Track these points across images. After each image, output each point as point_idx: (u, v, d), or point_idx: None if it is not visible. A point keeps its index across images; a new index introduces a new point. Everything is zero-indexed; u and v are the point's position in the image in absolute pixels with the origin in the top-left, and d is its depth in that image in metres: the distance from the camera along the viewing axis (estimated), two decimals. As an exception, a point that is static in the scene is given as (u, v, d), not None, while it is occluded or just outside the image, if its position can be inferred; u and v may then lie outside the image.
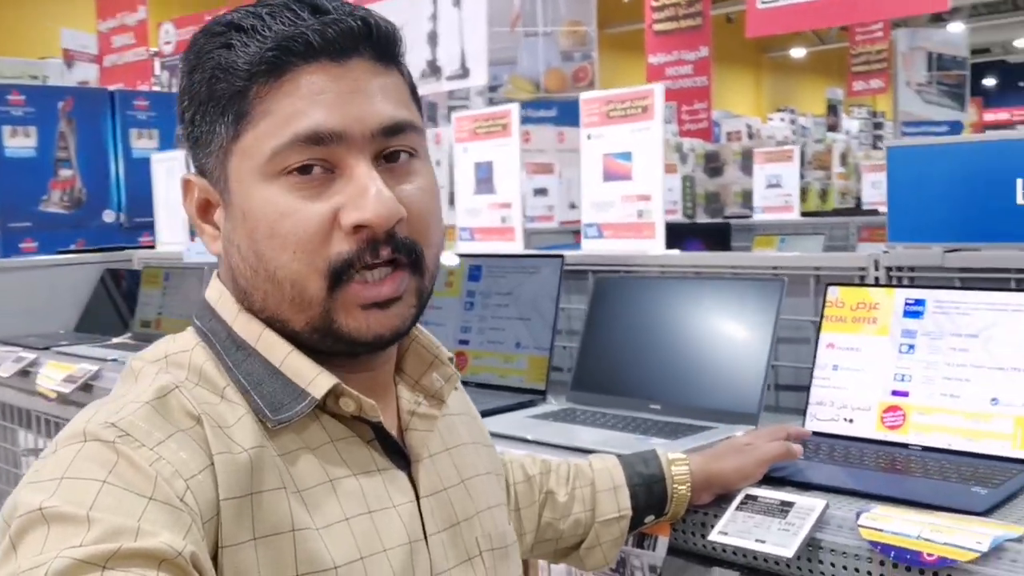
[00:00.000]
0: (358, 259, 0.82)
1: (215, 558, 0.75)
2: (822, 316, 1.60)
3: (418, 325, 0.92)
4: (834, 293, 1.60)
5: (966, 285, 1.62)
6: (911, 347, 1.50)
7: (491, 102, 8.06)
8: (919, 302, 1.51)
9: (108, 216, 4.76)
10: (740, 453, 1.27)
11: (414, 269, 0.85)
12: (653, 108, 2.06)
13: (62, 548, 0.64)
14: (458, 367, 2.06)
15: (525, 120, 8.28)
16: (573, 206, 5.25)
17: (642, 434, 1.59)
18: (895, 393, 1.49)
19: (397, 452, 0.89)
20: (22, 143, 4.57)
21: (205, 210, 0.89)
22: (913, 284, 1.68)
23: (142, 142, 4.84)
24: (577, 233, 4.27)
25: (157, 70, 8.24)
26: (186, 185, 0.89)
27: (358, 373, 0.88)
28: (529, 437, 1.60)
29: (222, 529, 0.75)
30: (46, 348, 2.75)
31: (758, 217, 5.39)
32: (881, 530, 1.12)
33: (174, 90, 8.03)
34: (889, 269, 1.72)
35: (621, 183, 2.12)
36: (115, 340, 2.93)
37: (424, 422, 0.92)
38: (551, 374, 2.01)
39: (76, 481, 0.70)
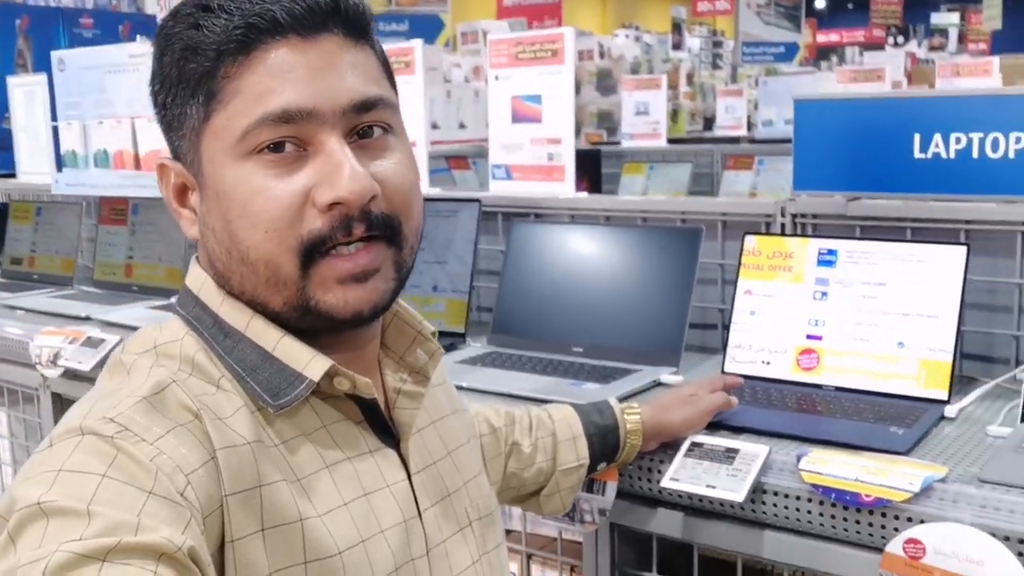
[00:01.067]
0: (331, 237, 0.81)
1: (222, 552, 0.76)
2: (739, 264, 1.69)
3: (399, 300, 0.92)
4: (751, 242, 1.69)
5: (866, 233, 1.75)
6: (824, 294, 1.61)
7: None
8: (832, 252, 1.62)
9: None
10: (686, 404, 1.36)
11: (391, 242, 0.85)
12: (563, 52, 2.08)
13: (62, 542, 0.64)
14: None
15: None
16: (435, 126, 5.22)
17: (573, 379, 1.66)
18: (810, 337, 1.60)
19: (386, 431, 0.91)
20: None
21: (182, 194, 0.88)
22: (816, 231, 1.79)
23: None
24: (449, 158, 4.25)
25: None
26: (161, 169, 0.88)
27: (345, 353, 0.88)
28: (464, 384, 1.64)
29: (230, 523, 0.76)
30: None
31: (626, 144, 5.51)
32: (820, 473, 1.23)
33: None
34: (795, 216, 1.83)
35: (531, 125, 2.14)
36: (-17, 278, 2.78)
37: (411, 400, 0.93)
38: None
39: (75, 475, 0.69)
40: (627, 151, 5.19)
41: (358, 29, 0.85)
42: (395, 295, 0.88)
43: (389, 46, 2.37)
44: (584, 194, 2.14)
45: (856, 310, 1.58)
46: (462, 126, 5.30)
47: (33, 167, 3.20)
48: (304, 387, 0.83)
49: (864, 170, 1.77)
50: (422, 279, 2.02)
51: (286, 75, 0.80)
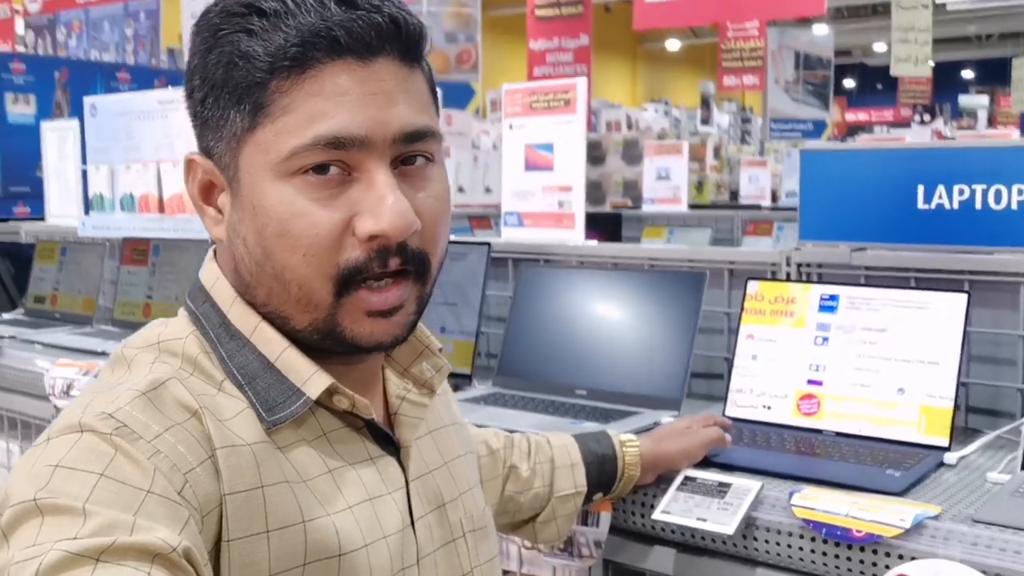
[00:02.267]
0: (367, 267, 0.81)
1: (218, 551, 0.75)
2: (742, 308, 1.70)
3: None
4: (754, 287, 1.70)
5: (871, 282, 1.75)
6: (825, 339, 1.61)
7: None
8: (833, 297, 1.62)
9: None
10: (683, 436, 1.36)
11: (418, 278, 0.85)
12: (576, 101, 2.12)
13: (56, 540, 0.64)
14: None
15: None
16: (461, 189, 5.29)
17: (574, 418, 1.66)
18: (811, 382, 1.60)
19: (386, 439, 0.91)
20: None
21: (208, 192, 0.87)
22: (822, 280, 1.80)
23: (19, 107, 4.64)
24: (472, 218, 4.31)
25: (20, 29, 7.87)
26: (190, 165, 0.86)
27: (351, 366, 0.89)
28: (465, 421, 1.64)
29: (227, 522, 0.76)
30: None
31: (647, 208, 5.56)
32: (813, 509, 1.22)
33: (40, 52, 7.67)
34: (800, 265, 1.84)
35: (542, 173, 2.18)
36: (6, 316, 2.82)
37: (414, 409, 0.94)
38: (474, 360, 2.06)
39: (72, 473, 0.69)
40: (648, 215, 5.23)
41: (413, 53, 0.84)
42: (413, 327, 0.88)
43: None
44: (594, 241, 2.17)
45: (857, 356, 1.58)
46: (488, 190, 5.37)
47: (62, 210, 3.27)
48: (300, 404, 0.83)
49: (868, 220, 1.78)
50: (429, 320, 2.03)
51: (340, 98, 0.79)
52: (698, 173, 9.26)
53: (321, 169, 0.80)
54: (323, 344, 0.85)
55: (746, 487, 1.28)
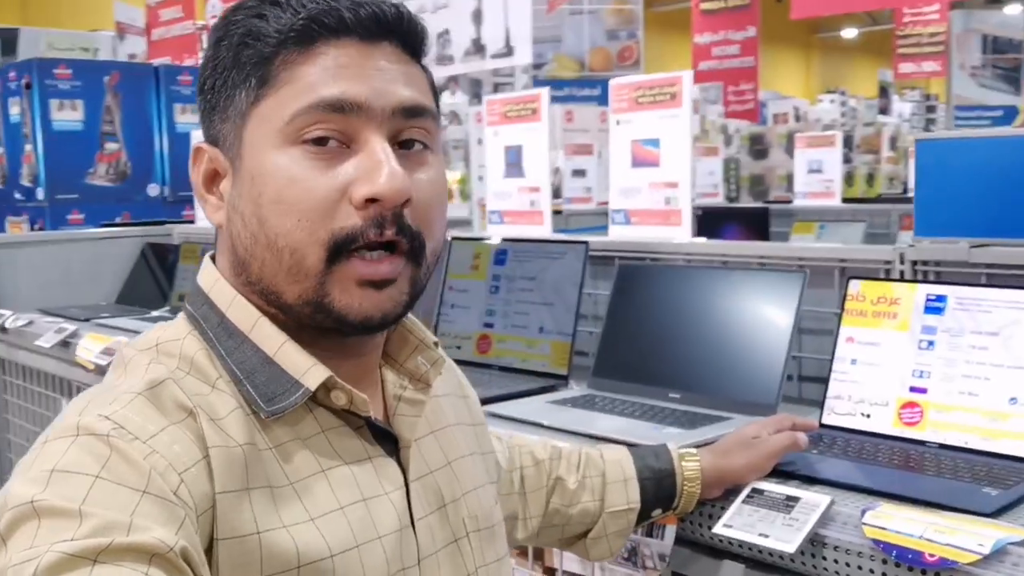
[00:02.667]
0: (362, 234, 0.81)
1: (209, 550, 0.75)
2: (842, 309, 1.59)
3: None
4: (855, 287, 1.59)
5: (992, 281, 1.60)
6: (931, 343, 1.48)
7: (535, 80, 8.04)
8: (940, 298, 1.50)
9: (152, 190, 4.84)
10: (749, 447, 1.28)
11: (411, 257, 0.85)
12: (682, 95, 2.05)
13: (53, 542, 0.64)
14: (482, 350, 2.08)
15: (569, 99, 8.25)
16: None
17: (659, 423, 1.60)
18: (913, 389, 1.48)
19: (386, 437, 0.90)
20: (69, 116, 4.65)
21: (211, 180, 0.89)
22: (939, 279, 1.66)
23: (186, 117, 4.90)
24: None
25: (204, 44, 8.32)
26: (197, 153, 0.89)
27: (347, 359, 0.89)
28: (545, 423, 1.61)
29: (217, 521, 0.76)
30: (87, 320, 2.82)
31: (798, 203, 5.33)
32: (884, 528, 1.12)
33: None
34: (915, 263, 1.71)
35: (649, 169, 2.12)
36: (154, 313, 2.98)
37: (412, 407, 0.92)
38: (576, 359, 2.02)
39: (69, 475, 0.70)
40: (798, 209, 5.01)
41: (414, 47, 0.88)
42: (406, 310, 0.88)
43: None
44: (702, 239, 2.08)
45: (965, 361, 1.45)
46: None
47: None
48: (299, 395, 0.83)
49: (990, 214, 1.64)
50: (529, 320, 2.02)
51: (342, 70, 0.82)
52: (870, 165, 8.84)
53: (320, 141, 0.82)
54: (313, 319, 0.85)
55: (814, 502, 1.19)
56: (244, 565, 0.76)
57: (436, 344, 0.97)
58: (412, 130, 0.85)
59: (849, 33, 17.71)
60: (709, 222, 4.07)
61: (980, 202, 1.65)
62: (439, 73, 6.70)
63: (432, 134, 0.87)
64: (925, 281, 1.60)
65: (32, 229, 4.56)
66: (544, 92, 2.33)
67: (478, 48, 6.48)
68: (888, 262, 1.75)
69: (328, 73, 0.81)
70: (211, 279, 0.89)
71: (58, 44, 8.03)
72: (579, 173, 4.60)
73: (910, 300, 1.52)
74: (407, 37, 0.86)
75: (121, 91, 4.73)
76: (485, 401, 1.75)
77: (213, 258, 0.92)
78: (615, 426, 1.57)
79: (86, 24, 9.16)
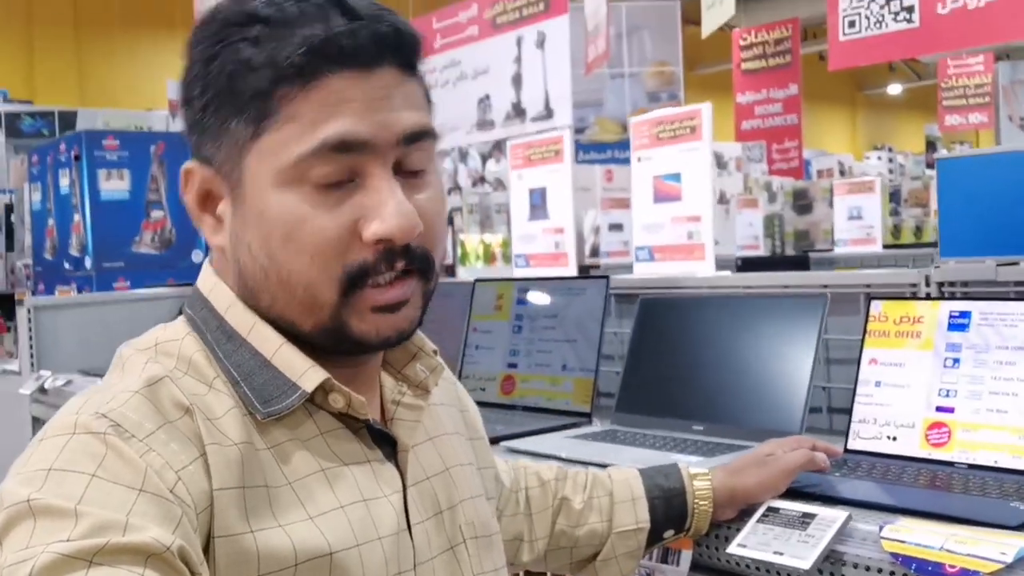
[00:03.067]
0: (375, 269, 0.82)
1: (207, 548, 0.74)
2: (864, 331, 1.55)
3: None
4: (877, 307, 1.55)
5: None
6: (956, 361, 1.44)
7: (577, 144, 8.10)
8: (964, 314, 1.45)
9: (196, 256, 4.93)
10: (762, 466, 1.24)
11: (421, 275, 0.86)
12: (701, 128, 2.04)
13: (49, 542, 0.64)
14: (506, 391, 2.06)
15: (611, 161, 8.29)
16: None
17: (679, 452, 1.56)
18: (940, 409, 1.43)
19: (384, 441, 0.89)
20: (116, 186, 4.78)
21: (206, 201, 0.87)
22: (966, 298, 1.61)
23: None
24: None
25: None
26: (187, 174, 0.86)
27: (348, 367, 0.88)
28: (563, 455, 1.58)
29: (215, 519, 0.75)
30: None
31: (839, 250, 5.25)
32: (903, 541, 1.07)
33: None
34: (941, 285, 1.66)
35: (671, 204, 2.10)
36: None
37: (410, 412, 0.92)
38: (601, 398, 1.99)
39: (65, 474, 0.69)
40: (839, 257, 4.93)
41: (412, 62, 0.86)
42: (418, 323, 0.89)
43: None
44: (726, 272, 2.06)
45: (992, 378, 1.39)
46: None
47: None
48: (296, 397, 0.83)
49: (1017, 231, 1.59)
50: (552, 358, 2.00)
51: (344, 105, 0.80)
52: (918, 218, 8.73)
53: (327, 181, 0.81)
54: (329, 344, 0.85)
55: (831, 518, 1.15)
56: (240, 563, 0.75)
57: (435, 352, 0.96)
58: (415, 155, 0.85)
59: (894, 89, 17.66)
60: (748, 270, 4.02)
61: (1005, 220, 1.61)
62: (481, 138, 6.79)
63: (432, 152, 0.87)
64: (948, 298, 1.55)
65: (79, 296, 4.66)
66: (567, 134, 2.35)
67: (518, 112, 6.54)
68: (914, 285, 1.70)
69: (331, 110, 0.79)
70: (210, 283, 0.89)
71: (114, 123, 8.29)
72: (616, 227, 4.60)
73: (933, 318, 1.48)
74: (406, 55, 0.84)
75: (167, 160, 4.86)
76: (505, 438, 1.74)
77: (212, 263, 0.91)
78: (632, 457, 1.54)
79: (141, 104, 9.46)
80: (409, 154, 0.84)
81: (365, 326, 0.83)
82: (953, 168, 1.67)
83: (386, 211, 0.80)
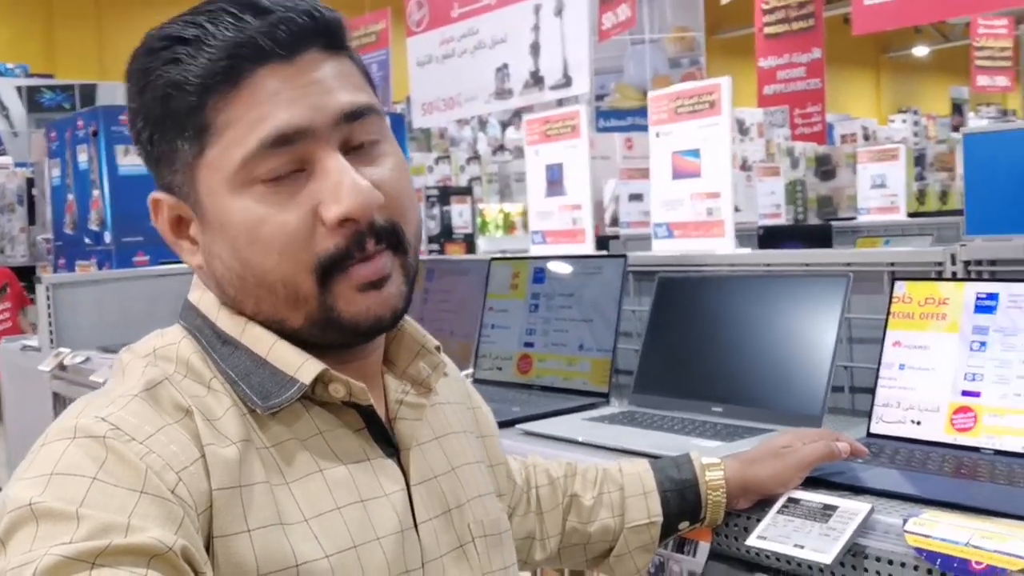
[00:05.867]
0: (348, 255, 0.81)
1: (208, 548, 0.74)
2: (888, 312, 1.51)
3: (406, 316, 0.91)
4: (901, 288, 1.51)
5: (1050, 278, 1.51)
6: (983, 344, 1.40)
7: (598, 111, 8.02)
8: (992, 296, 1.41)
9: (216, 229, 4.92)
10: (778, 458, 1.21)
11: (395, 249, 0.85)
12: (720, 103, 2.00)
13: (51, 545, 0.64)
14: (522, 371, 2.04)
15: (632, 128, 8.21)
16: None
17: (698, 436, 1.53)
18: (965, 393, 1.39)
19: (386, 440, 0.88)
20: (134, 161, 4.76)
21: (178, 226, 0.87)
22: (993, 278, 1.57)
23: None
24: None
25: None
26: (155, 205, 0.87)
27: (347, 364, 0.87)
28: (580, 439, 1.56)
29: (215, 519, 0.75)
30: (142, 355, 2.84)
31: (863, 219, 5.18)
32: (928, 536, 1.05)
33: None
34: (967, 263, 1.62)
35: (690, 180, 2.06)
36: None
37: (413, 411, 0.91)
38: (619, 377, 1.97)
39: (66, 477, 0.70)
40: (863, 225, 4.87)
41: (336, 41, 0.85)
42: (408, 299, 0.88)
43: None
44: (746, 250, 2.02)
45: (1020, 362, 1.36)
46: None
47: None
48: (295, 390, 0.82)
49: (1046, 208, 1.55)
50: (568, 338, 1.97)
51: (275, 98, 0.80)
52: (944, 183, 8.63)
53: (276, 177, 0.81)
54: (324, 337, 0.84)
55: (853, 510, 1.12)
56: (240, 564, 0.75)
57: (438, 348, 0.95)
58: (360, 130, 0.84)
59: (920, 51, 17.37)
60: (770, 240, 3.98)
61: (1034, 196, 1.56)
62: (499, 107, 6.73)
63: (379, 126, 0.86)
64: (975, 279, 1.51)
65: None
66: (583, 108, 2.31)
67: (537, 80, 6.47)
68: (939, 264, 1.66)
69: (263, 107, 0.80)
70: (197, 294, 0.89)
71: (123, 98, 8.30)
72: (636, 197, 4.56)
73: (959, 299, 1.44)
74: (327, 38, 0.84)
75: (185, 134, 4.83)
76: (522, 420, 1.72)
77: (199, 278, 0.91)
78: (650, 441, 1.51)
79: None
80: (354, 131, 0.83)
81: (354, 308, 0.82)
82: (980, 143, 1.63)
83: (341, 192, 0.80)
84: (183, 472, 0.74)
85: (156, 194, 0.87)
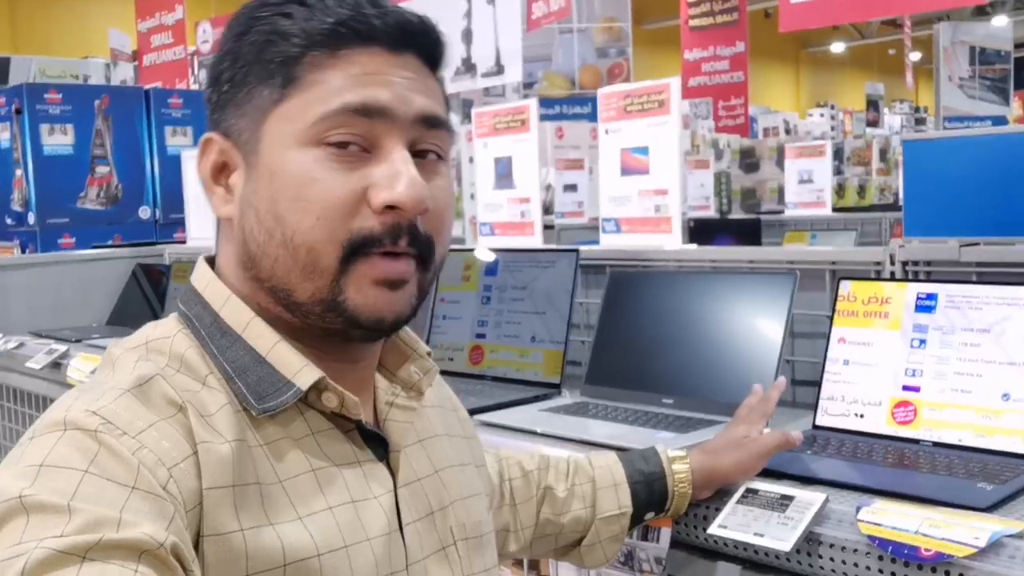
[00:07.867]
0: (380, 240, 0.82)
1: (196, 547, 0.74)
2: (833, 310, 1.58)
3: None
4: (846, 287, 1.58)
5: (983, 280, 1.60)
6: (923, 342, 1.48)
7: (526, 99, 8.08)
8: (931, 296, 1.49)
9: (144, 213, 4.83)
10: (739, 447, 1.27)
11: (421, 263, 0.86)
12: (670, 103, 2.05)
13: (42, 538, 0.63)
14: (474, 361, 2.07)
15: (559, 116, 8.27)
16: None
17: (652, 428, 1.59)
18: (906, 388, 1.48)
19: (375, 442, 0.89)
20: (60, 141, 4.65)
21: (219, 172, 0.88)
22: (930, 279, 1.66)
23: (176, 139, 4.90)
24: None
25: (195, 69, 8.34)
26: (206, 144, 0.88)
27: (342, 364, 0.88)
28: (539, 430, 1.60)
29: (204, 518, 0.75)
30: (77, 341, 2.81)
31: (790, 213, 5.34)
32: (880, 524, 1.11)
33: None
34: (905, 264, 1.70)
35: (638, 177, 2.12)
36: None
37: (403, 413, 0.92)
38: (569, 368, 2.01)
39: (57, 470, 0.69)
40: (790, 220, 5.02)
41: (435, 60, 0.89)
42: (413, 314, 0.88)
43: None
44: (693, 245, 2.08)
45: (957, 359, 1.44)
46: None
47: (200, 232, 3.43)
48: (291, 395, 0.83)
49: (979, 213, 1.64)
50: (521, 329, 2.01)
51: (369, 75, 0.83)
52: (861, 177, 8.88)
53: (342, 145, 0.82)
54: (323, 320, 0.84)
55: (809, 500, 1.19)
56: (229, 563, 0.75)
57: (429, 354, 0.97)
58: (429, 140, 0.86)
59: (837, 48, 17.82)
60: (701, 233, 4.08)
61: (969, 201, 1.65)
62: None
63: (446, 146, 0.89)
64: (916, 280, 1.59)
65: (23, 253, 4.55)
66: (533, 103, 2.35)
67: (468, 67, 6.48)
68: (878, 263, 1.74)
69: (355, 79, 0.82)
70: (205, 279, 0.89)
71: (49, 71, 8.03)
72: (570, 188, 4.61)
73: (901, 299, 1.52)
74: (430, 49, 0.88)
75: (112, 114, 4.73)
76: (477, 411, 1.75)
77: (209, 260, 0.91)
78: (608, 432, 1.57)
79: (77, 51, 9.17)
80: (425, 137, 0.86)
81: (361, 299, 0.83)
82: (919, 150, 1.71)
83: (398, 180, 0.82)
84: (174, 469, 0.73)
85: (210, 134, 0.88)
